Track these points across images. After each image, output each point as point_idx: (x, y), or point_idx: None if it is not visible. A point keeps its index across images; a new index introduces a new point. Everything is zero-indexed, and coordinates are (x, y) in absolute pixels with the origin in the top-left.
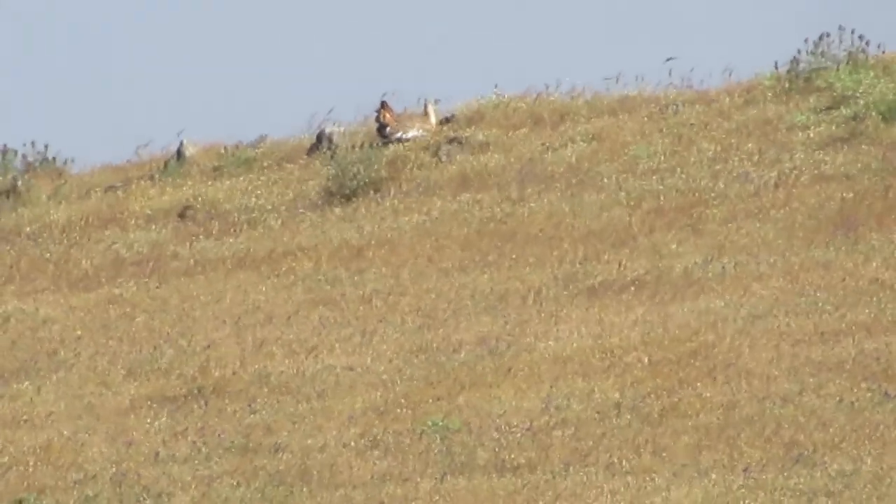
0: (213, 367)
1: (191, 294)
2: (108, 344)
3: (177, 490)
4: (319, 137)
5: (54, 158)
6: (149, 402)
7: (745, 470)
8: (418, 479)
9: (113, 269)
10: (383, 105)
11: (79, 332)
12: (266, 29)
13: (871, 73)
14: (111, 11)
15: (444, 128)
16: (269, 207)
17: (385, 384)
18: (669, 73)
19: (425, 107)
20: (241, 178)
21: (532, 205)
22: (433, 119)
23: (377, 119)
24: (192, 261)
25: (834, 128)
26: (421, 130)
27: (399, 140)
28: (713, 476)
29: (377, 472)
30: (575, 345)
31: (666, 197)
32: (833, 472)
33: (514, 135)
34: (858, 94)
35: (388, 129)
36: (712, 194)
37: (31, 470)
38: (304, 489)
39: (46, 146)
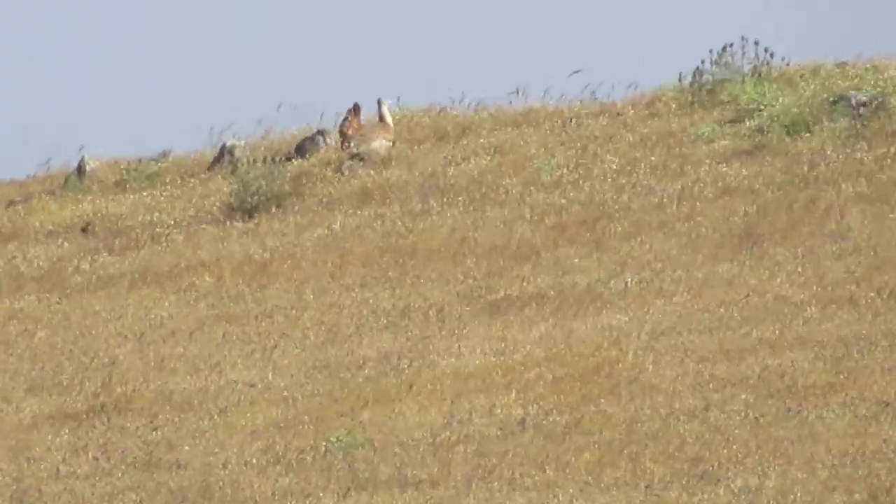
0: (115, 383)
1: (93, 309)
2: (8, 360)
3: None
4: (221, 152)
5: None
6: (50, 419)
7: (648, 486)
8: (321, 495)
9: (13, 284)
10: (354, 110)
11: None
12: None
13: (775, 86)
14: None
15: (337, 142)
16: (172, 222)
17: (287, 400)
18: (580, 89)
19: (379, 108)
20: (144, 194)
21: (434, 219)
22: (389, 119)
23: (342, 129)
24: (94, 276)
25: (738, 141)
26: (383, 140)
27: (361, 157)
28: (616, 492)
29: (279, 489)
30: (477, 361)
31: (569, 211)
32: (737, 488)
33: (417, 149)
34: (762, 107)
35: (352, 140)
36: (616, 208)
37: None
38: None
39: None
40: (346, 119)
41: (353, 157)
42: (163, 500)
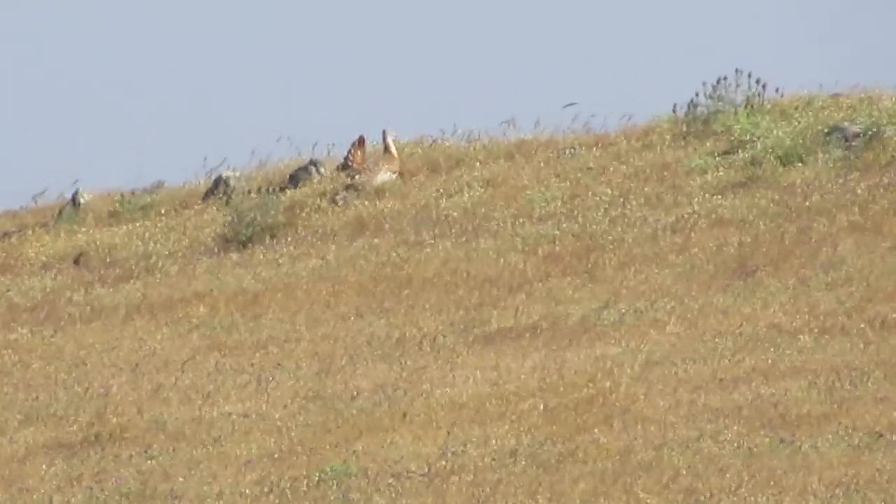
0: (109, 413)
1: (87, 341)
2: (3, 391)
3: None
4: (216, 183)
5: None
6: (44, 449)
7: None
8: None
9: (8, 316)
10: (358, 143)
11: None
12: (160, 75)
13: (768, 117)
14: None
15: (342, 174)
16: (166, 253)
17: (281, 430)
18: (572, 119)
19: (384, 140)
20: (138, 225)
21: (428, 250)
22: (394, 150)
23: (346, 161)
24: (87, 308)
25: (732, 172)
26: (388, 173)
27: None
28: None
29: None
30: (471, 391)
31: (562, 242)
32: None
33: (410, 181)
34: (756, 138)
35: (357, 175)
36: (609, 238)
37: None
38: None
39: None
40: (349, 151)
41: (347, 187)
42: None
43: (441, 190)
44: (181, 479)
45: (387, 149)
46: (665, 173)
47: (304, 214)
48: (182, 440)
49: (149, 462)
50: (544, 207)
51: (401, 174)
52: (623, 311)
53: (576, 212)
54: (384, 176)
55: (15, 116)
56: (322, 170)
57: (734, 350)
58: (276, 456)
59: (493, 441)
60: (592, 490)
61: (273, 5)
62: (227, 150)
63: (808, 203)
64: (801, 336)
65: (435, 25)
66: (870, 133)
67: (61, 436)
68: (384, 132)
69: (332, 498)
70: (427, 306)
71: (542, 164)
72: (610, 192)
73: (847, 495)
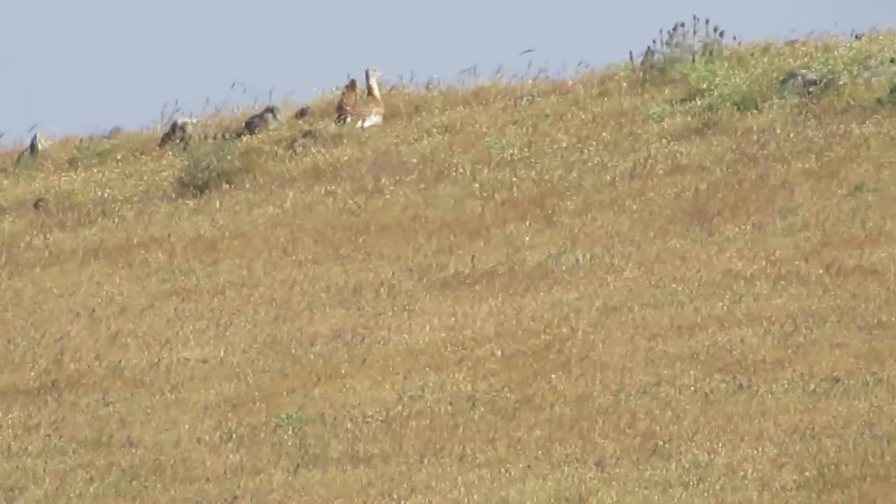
0: (66, 359)
1: (45, 286)
2: None
3: (29, 484)
4: (173, 129)
5: None
6: (1, 396)
7: (598, 462)
8: (272, 472)
9: None
10: (350, 85)
11: None
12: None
13: (726, 65)
14: None
15: (300, 121)
16: (123, 199)
17: (239, 376)
18: (528, 65)
19: (367, 80)
20: (96, 171)
21: (387, 197)
22: (377, 92)
23: (339, 105)
24: (46, 252)
25: (689, 119)
26: (377, 116)
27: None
28: (567, 468)
29: (230, 466)
30: (428, 337)
31: (520, 188)
32: (687, 463)
33: (368, 127)
34: (713, 86)
35: (348, 117)
36: (566, 185)
37: None
38: (158, 484)
39: None
40: (342, 95)
41: (305, 134)
42: (115, 478)
43: (400, 136)
44: (139, 426)
45: (370, 90)
46: (622, 120)
47: (261, 161)
48: (140, 387)
49: (106, 408)
50: (502, 154)
51: (385, 117)
52: (580, 256)
53: (533, 158)
54: (373, 118)
55: None
56: (279, 116)
57: (691, 296)
58: (234, 402)
59: (450, 387)
60: (549, 436)
61: None
62: (184, 97)
63: (764, 150)
64: (757, 282)
65: None
66: (825, 80)
67: (18, 382)
68: (367, 72)
69: (289, 443)
70: (384, 253)
71: (500, 111)
72: (567, 138)
73: (803, 440)
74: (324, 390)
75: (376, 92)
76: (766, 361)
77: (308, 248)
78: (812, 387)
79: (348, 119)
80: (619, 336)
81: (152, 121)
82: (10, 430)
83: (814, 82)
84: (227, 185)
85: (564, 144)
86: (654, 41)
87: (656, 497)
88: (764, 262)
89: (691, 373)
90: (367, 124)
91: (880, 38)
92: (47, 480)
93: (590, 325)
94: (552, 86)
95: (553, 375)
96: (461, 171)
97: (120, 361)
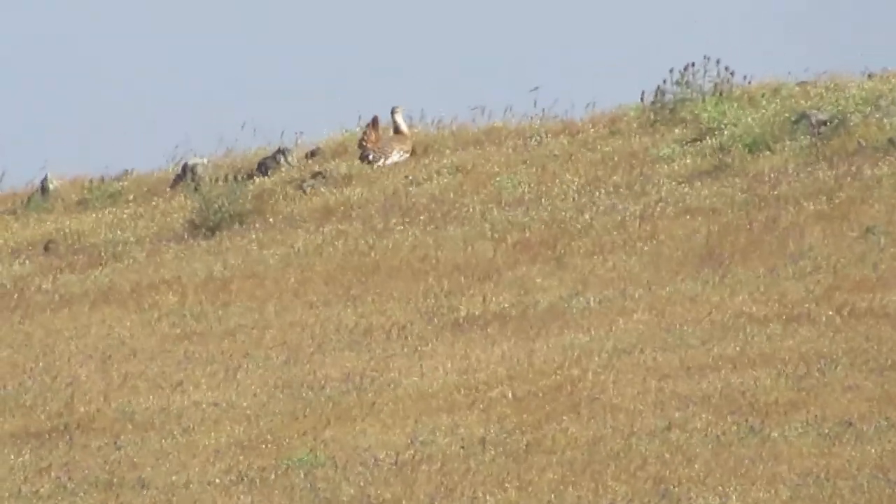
0: (77, 402)
1: (55, 328)
2: None
3: None
4: (184, 170)
5: None
6: (12, 438)
7: None
8: None
9: None
10: (372, 123)
11: None
12: (129, 63)
13: (736, 105)
14: None
15: (310, 161)
16: (134, 241)
17: (250, 419)
18: (535, 104)
19: (393, 118)
20: (106, 212)
21: (396, 237)
22: (405, 128)
23: (360, 142)
24: (56, 295)
25: (699, 160)
26: (401, 153)
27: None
28: None
29: None
30: (439, 380)
31: (531, 229)
32: None
33: (378, 167)
34: (723, 126)
35: (370, 154)
36: (577, 226)
37: None
38: None
39: None
40: (364, 133)
41: (315, 174)
42: None
43: (410, 177)
44: (149, 469)
45: (397, 128)
46: (633, 161)
47: (271, 202)
48: (150, 430)
49: (117, 452)
50: (513, 194)
51: (413, 153)
52: (591, 298)
53: (544, 199)
54: (397, 156)
55: None
56: (290, 158)
57: (702, 338)
58: (244, 445)
59: (462, 430)
60: (561, 479)
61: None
62: (195, 137)
63: (775, 192)
64: (769, 324)
65: (403, 12)
66: (836, 121)
67: (29, 425)
68: (393, 109)
69: (300, 487)
70: (395, 294)
71: (510, 151)
72: (578, 179)
73: (817, 484)
74: (334, 433)
75: (404, 128)
76: (778, 404)
77: (319, 289)
78: (825, 430)
79: (370, 156)
80: (631, 378)
81: (163, 161)
82: (21, 473)
83: (825, 123)
84: (239, 226)
85: (575, 185)
86: (664, 81)
87: None
88: (776, 305)
89: (703, 415)
90: (389, 162)
91: (892, 77)
92: None
93: (601, 367)
94: (562, 126)
95: (564, 418)
96: (471, 211)
97: (130, 404)
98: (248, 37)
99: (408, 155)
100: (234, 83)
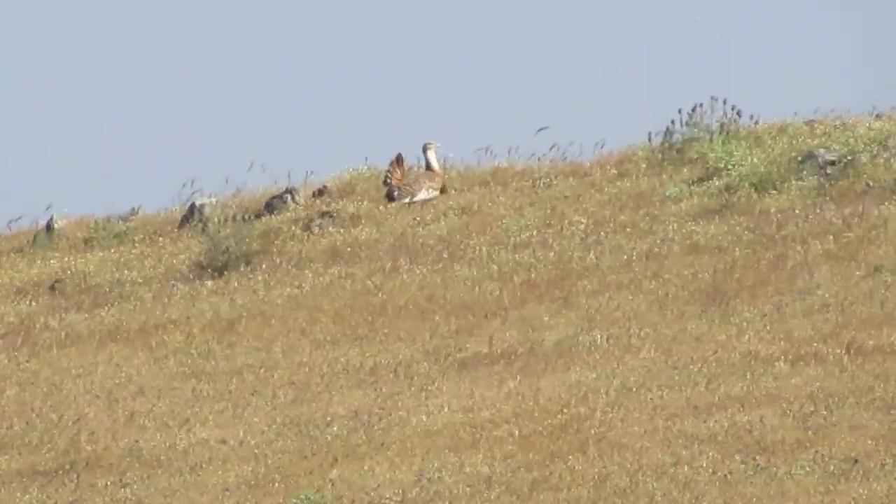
0: (84, 440)
1: (62, 367)
2: None
3: None
4: (191, 210)
5: None
6: (19, 477)
7: None
8: None
9: None
10: (396, 160)
11: None
12: (135, 101)
13: (744, 144)
14: None
15: (317, 201)
16: (141, 280)
17: (257, 458)
18: (545, 146)
19: (425, 154)
20: (113, 251)
21: (403, 278)
22: (436, 165)
23: (385, 180)
24: (62, 334)
25: (706, 199)
26: (430, 191)
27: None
28: None
29: None
30: (446, 418)
31: (537, 270)
32: None
33: (385, 208)
34: (731, 166)
35: (395, 192)
36: (584, 266)
37: None
38: None
39: None
40: (388, 170)
41: (322, 214)
42: None
43: (417, 217)
44: None
45: (428, 164)
46: (640, 201)
47: (279, 242)
48: (158, 468)
49: (124, 489)
50: (519, 235)
51: (443, 190)
52: (598, 337)
53: (551, 239)
54: (425, 194)
55: None
56: (297, 197)
57: (709, 377)
58: (252, 483)
59: (468, 468)
60: None
61: (244, 35)
62: (202, 177)
63: (782, 231)
64: (776, 363)
65: (408, 50)
66: (844, 160)
67: (36, 463)
68: (424, 146)
69: None
70: (402, 334)
71: (517, 193)
72: (585, 220)
73: None
74: (342, 472)
75: (435, 165)
76: (785, 442)
77: (326, 329)
78: (831, 468)
79: (396, 194)
80: (637, 416)
81: (170, 201)
82: None
83: (832, 162)
84: (246, 266)
85: (582, 226)
86: (672, 122)
87: None
88: (783, 343)
89: (710, 454)
90: (417, 199)
91: None
92: None
93: (607, 405)
94: (570, 167)
95: (570, 456)
96: (478, 252)
97: (138, 442)
98: (258, 74)
99: (437, 192)
100: (242, 121)
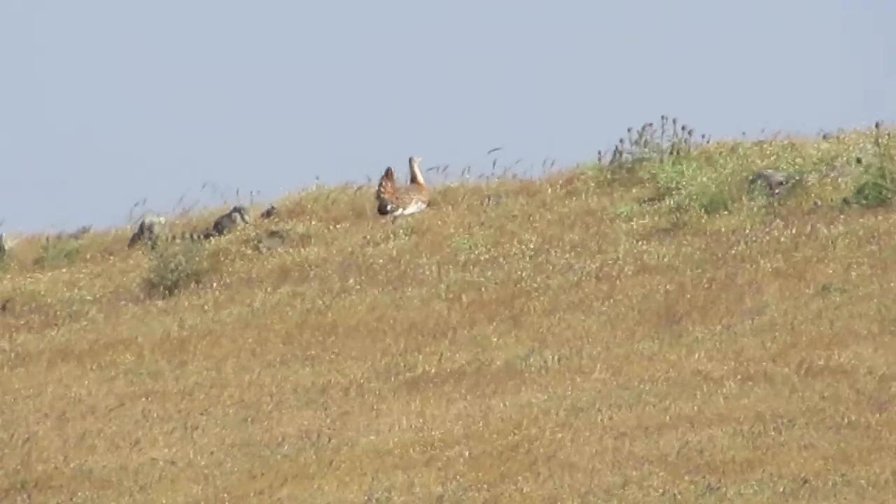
0: (34, 460)
1: (12, 387)
2: None
3: None
4: (140, 228)
5: None
6: None
7: None
8: None
9: None
10: (387, 174)
11: None
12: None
13: (694, 164)
14: None
15: (265, 221)
16: (91, 299)
17: (207, 478)
18: (494, 165)
19: (411, 167)
20: (64, 270)
21: (353, 298)
22: (421, 178)
23: (378, 194)
24: (13, 353)
25: (657, 218)
26: (420, 203)
27: (398, 217)
28: None
29: None
30: (396, 438)
31: (487, 289)
32: None
33: (335, 227)
34: (681, 186)
35: (388, 205)
36: (534, 285)
37: None
38: None
39: None
40: (380, 184)
41: (271, 234)
42: None
43: (367, 237)
44: None
45: (414, 178)
46: (589, 220)
47: (228, 261)
48: (108, 488)
49: None
50: (469, 254)
51: (430, 204)
52: (548, 357)
53: (501, 259)
54: (414, 207)
55: None
56: (246, 217)
57: (660, 397)
58: (201, 503)
59: (418, 488)
60: None
61: (196, 56)
62: (152, 196)
63: (733, 251)
64: (726, 382)
65: (360, 72)
66: (793, 180)
67: None
68: (410, 160)
69: None
70: (352, 353)
71: (467, 212)
72: (535, 238)
73: None
74: (291, 491)
75: (420, 178)
76: (734, 462)
77: (276, 348)
78: (781, 488)
79: (388, 207)
80: (588, 437)
81: (121, 220)
82: None
83: (781, 183)
84: (196, 285)
85: (532, 245)
86: (621, 140)
87: None
88: (733, 363)
89: (660, 474)
90: (408, 212)
91: (847, 138)
92: None
93: (557, 425)
94: (519, 185)
95: (521, 477)
96: (428, 271)
97: (88, 462)
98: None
99: (425, 206)
100: (193, 140)
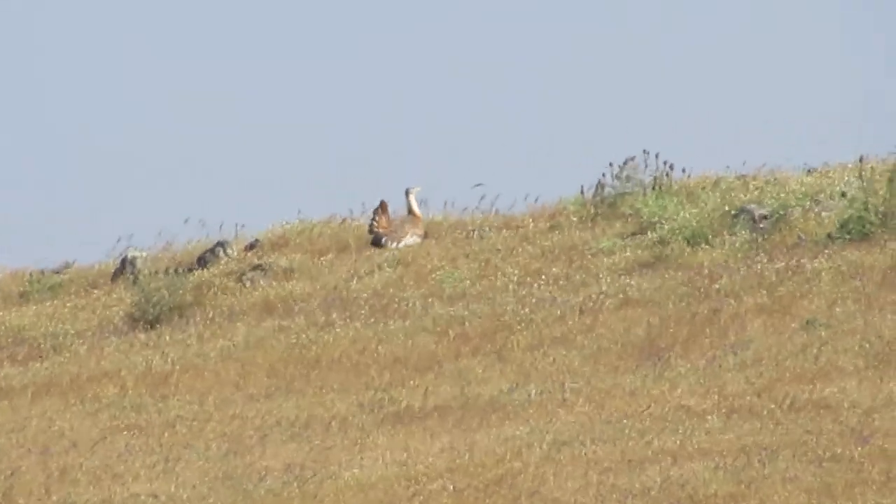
0: (17, 494)
1: None
2: None
3: None
4: (123, 263)
5: None
6: None
7: None
8: None
9: None
10: (380, 207)
11: None
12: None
13: (676, 199)
14: None
15: (249, 254)
16: (74, 333)
17: None
18: (479, 199)
19: (407, 199)
20: (48, 304)
21: (337, 331)
22: (417, 210)
23: (371, 227)
24: None
25: (640, 252)
26: (414, 237)
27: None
28: None
29: None
30: (380, 472)
31: (471, 323)
32: None
33: (319, 261)
34: (664, 220)
35: (383, 238)
36: (518, 319)
37: None
38: None
39: None
40: (373, 217)
41: (254, 267)
42: None
43: (351, 271)
44: None
45: (410, 210)
46: (573, 254)
47: (211, 294)
48: None
49: None
50: (454, 288)
51: (426, 235)
52: (532, 391)
53: (485, 292)
54: (410, 240)
55: None
56: (229, 250)
57: (643, 431)
58: None
59: None
60: None
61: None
62: (136, 228)
63: (716, 285)
64: (709, 417)
65: (342, 104)
66: (776, 215)
67: None
68: (406, 191)
69: None
70: (336, 387)
71: (451, 245)
72: (518, 273)
73: None
74: None
75: (416, 210)
76: (717, 496)
77: (260, 382)
78: None
79: (384, 240)
80: (571, 471)
81: (104, 254)
82: None
83: (765, 217)
84: (178, 319)
85: (515, 278)
86: (603, 175)
87: None
88: (716, 397)
89: None
90: (402, 245)
91: (831, 172)
92: None
93: (541, 459)
94: (503, 220)
95: None
96: (412, 305)
97: (70, 496)
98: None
99: (420, 238)
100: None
